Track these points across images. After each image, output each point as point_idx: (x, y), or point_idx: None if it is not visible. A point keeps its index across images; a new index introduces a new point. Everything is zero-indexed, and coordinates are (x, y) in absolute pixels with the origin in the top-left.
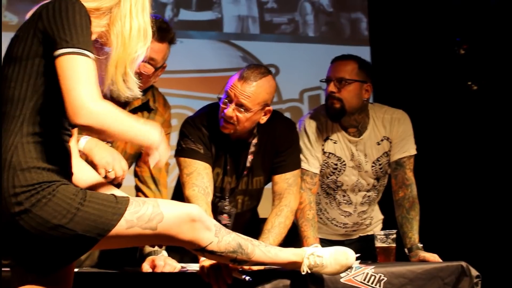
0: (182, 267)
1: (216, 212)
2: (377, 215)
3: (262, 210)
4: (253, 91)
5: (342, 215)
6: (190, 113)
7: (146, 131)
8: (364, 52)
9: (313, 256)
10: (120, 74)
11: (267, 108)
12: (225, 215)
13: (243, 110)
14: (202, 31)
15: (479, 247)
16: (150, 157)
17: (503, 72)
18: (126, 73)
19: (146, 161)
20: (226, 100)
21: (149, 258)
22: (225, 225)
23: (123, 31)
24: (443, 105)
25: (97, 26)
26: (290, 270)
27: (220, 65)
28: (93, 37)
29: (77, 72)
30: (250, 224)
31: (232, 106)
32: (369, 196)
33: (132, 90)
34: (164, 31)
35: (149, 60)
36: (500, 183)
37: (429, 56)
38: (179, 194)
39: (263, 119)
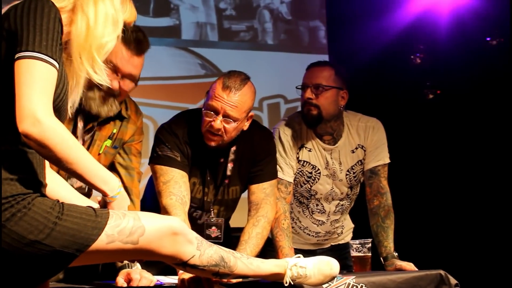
0: (158, 280)
1: (193, 223)
2: (348, 224)
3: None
4: (239, 100)
5: (314, 223)
6: (147, 121)
7: (106, 177)
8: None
9: (296, 267)
10: (86, 61)
11: (250, 114)
12: (213, 228)
13: (231, 120)
14: (159, 38)
15: (456, 255)
16: (108, 206)
17: (459, 80)
18: (93, 60)
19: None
20: (212, 113)
21: (124, 272)
22: (216, 237)
23: (88, 15)
24: (401, 112)
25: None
26: (272, 282)
27: (178, 73)
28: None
29: (32, 78)
30: (224, 235)
31: (220, 118)
32: (342, 205)
33: (100, 76)
34: (141, 43)
35: (130, 77)
36: (476, 190)
37: (387, 64)
38: (144, 203)
39: (246, 125)
